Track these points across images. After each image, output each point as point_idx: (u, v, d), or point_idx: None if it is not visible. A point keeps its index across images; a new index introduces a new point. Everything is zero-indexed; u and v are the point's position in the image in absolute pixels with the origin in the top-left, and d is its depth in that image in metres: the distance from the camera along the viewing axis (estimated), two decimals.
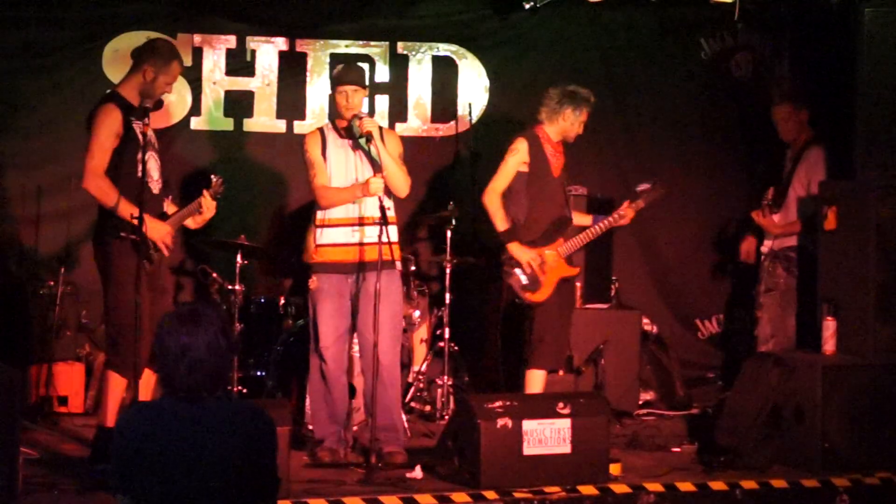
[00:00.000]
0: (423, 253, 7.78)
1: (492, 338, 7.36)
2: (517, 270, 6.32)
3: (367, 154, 5.82)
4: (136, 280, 5.35)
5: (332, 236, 5.85)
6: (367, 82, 5.97)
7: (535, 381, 6.37)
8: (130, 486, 2.96)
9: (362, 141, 5.79)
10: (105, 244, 5.53)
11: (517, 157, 6.33)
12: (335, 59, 7.78)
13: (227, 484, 2.99)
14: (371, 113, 7.50)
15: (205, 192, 5.72)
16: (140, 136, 5.47)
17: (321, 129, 5.99)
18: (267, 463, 3.08)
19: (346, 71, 5.92)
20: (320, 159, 5.87)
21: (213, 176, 5.80)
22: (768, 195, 7.11)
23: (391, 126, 7.66)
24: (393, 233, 5.74)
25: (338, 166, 5.85)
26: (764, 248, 7.22)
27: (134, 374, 5.36)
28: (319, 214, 5.89)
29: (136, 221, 5.33)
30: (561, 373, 6.83)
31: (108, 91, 5.78)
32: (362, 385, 6.12)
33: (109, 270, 5.53)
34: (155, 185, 5.67)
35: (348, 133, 5.86)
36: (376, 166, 5.76)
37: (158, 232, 5.53)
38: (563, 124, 6.39)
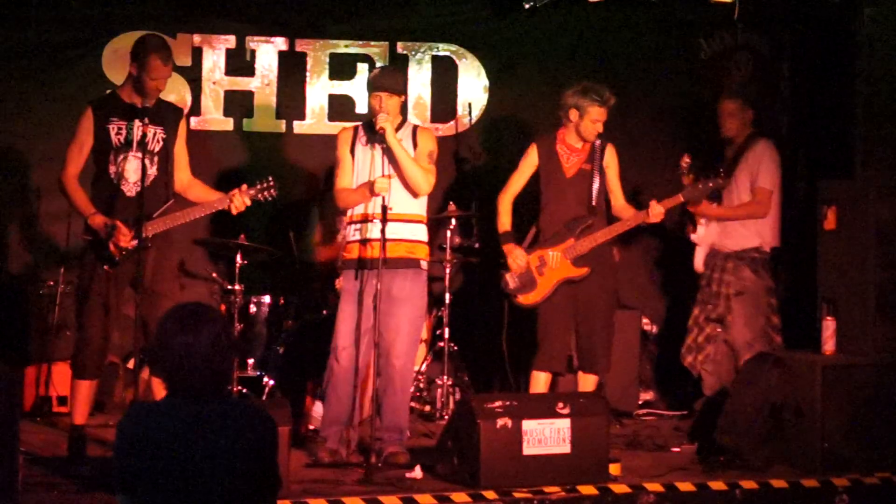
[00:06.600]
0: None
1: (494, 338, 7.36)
2: (507, 273, 6.42)
3: (391, 154, 5.83)
4: (91, 282, 5.60)
5: (353, 235, 5.92)
6: (402, 88, 6.05)
7: (538, 382, 6.42)
8: (131, 485, 2.95)
9: (389, 137, 5.77)
10: (80, 246, 5.80)
11: (527, 161, 6.50)
12: (335, 58, 7.81)
13: (228, 484, 2.98)
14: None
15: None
16: (115, 138, 5.60)
17: (355, 127, 6.04)
18: (268, 463, 3.08)
19: (380, 76, 5.97)
20: (347, 158, 5.93)
21: (270, 178, 5.92)
22: (684, 162, 6.74)
23: None
24: (422, 232, 5.87)
25: (362, 166, 5.91)
26: (705, 251, 7.04)
27: (80, 372, 5.66)
28: (348, 212, 5.99)
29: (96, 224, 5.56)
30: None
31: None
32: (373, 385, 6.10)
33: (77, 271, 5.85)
34: (131, 188, 5.65)
35: (374, 135, 5.88)
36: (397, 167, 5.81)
37: (116, 235, 5.54)
38: (571, 125, 6.40)
